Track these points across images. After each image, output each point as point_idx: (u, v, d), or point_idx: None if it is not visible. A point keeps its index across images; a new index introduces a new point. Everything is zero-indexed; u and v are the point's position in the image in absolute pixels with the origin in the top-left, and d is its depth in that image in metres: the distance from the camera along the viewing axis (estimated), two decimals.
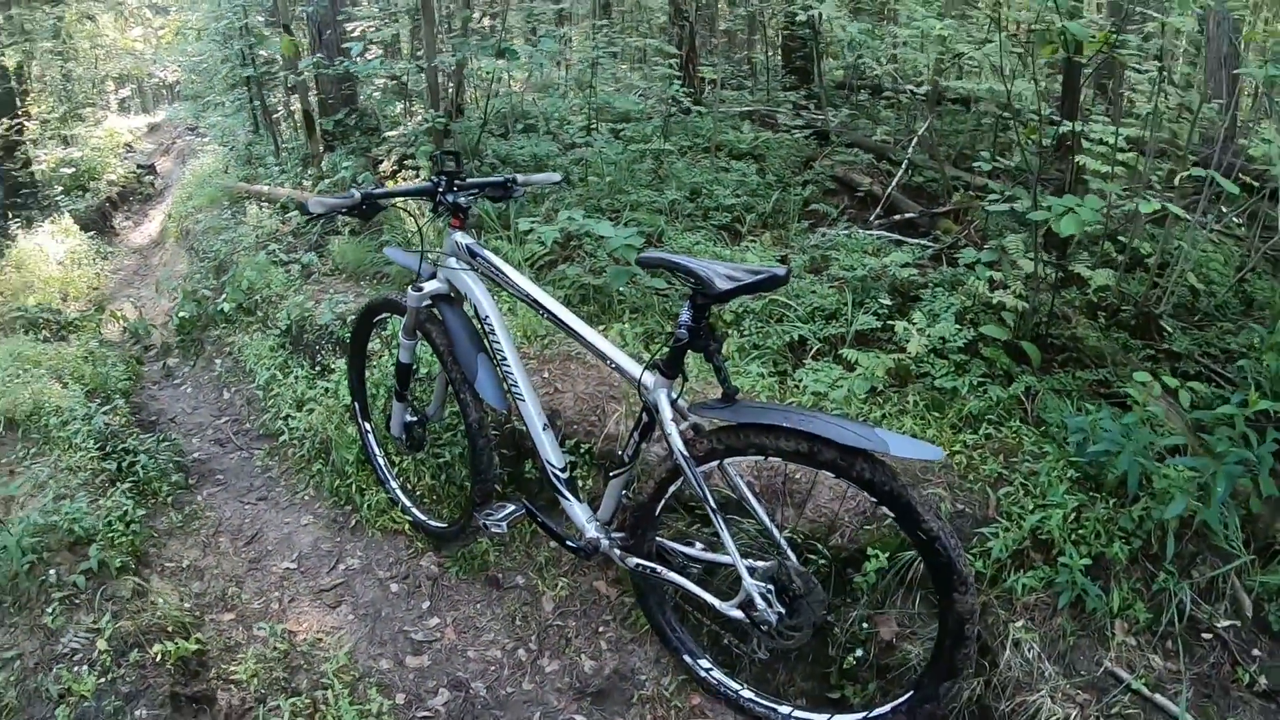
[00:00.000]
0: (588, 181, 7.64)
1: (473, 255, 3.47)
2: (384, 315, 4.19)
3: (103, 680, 3.34)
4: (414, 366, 4.10)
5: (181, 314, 8.10)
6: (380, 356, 5.23)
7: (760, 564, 2.77)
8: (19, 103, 14.23)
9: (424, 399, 4.55)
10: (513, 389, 3.36)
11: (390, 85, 12.07)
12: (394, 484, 4.49)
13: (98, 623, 3.65)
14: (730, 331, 4.87)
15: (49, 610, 3.70)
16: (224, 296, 7.77)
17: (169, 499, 5.27)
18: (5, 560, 3.88)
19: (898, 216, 7.18)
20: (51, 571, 3.91)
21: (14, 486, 4.48)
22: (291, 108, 12.66)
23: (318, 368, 5.99)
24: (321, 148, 10.86)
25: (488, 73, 9.45)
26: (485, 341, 3.47)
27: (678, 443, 2.74)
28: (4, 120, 13.25)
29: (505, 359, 3.36)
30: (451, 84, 9.85)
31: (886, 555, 3.15)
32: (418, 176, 8.56)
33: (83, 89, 19.10)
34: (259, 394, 6.40)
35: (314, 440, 5.27)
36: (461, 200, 3.50)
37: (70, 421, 5.58)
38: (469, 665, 3.73)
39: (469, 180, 3.53)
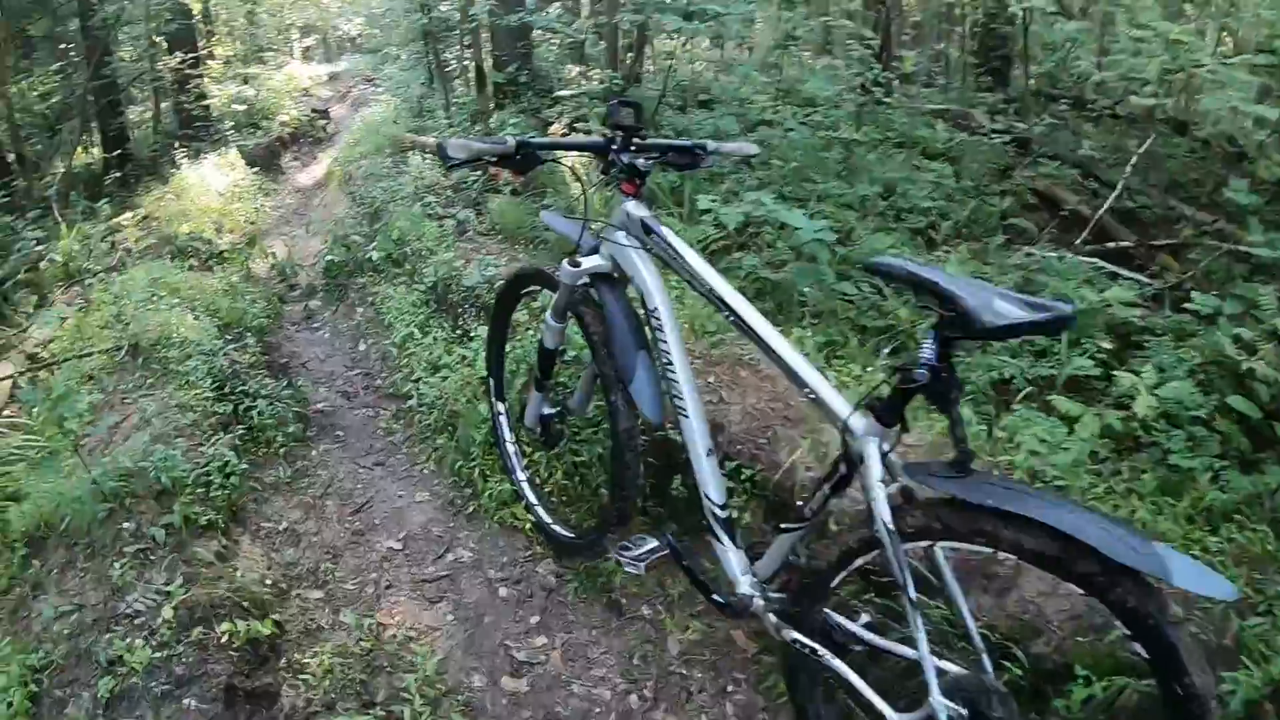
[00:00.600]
0: (770, 164, 7.05)
1: (647, 231, 2.82)
2: (533, 288, 3.65)
3: (158, 655, 2.99)
4: (560, 353, 3.59)
5: (330, 257, 7.91)
6: (526, 331, 4.77)
7: (951, 668, 2.12)
8: (203, 43, 14.59)
9: (567, 386, 4.10)
10: (675, 399, 2.73)
11: (566, 44, 11.76)
12: (521, 475, 3.97)
13: (169, 584, 3.29)
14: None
15: (118, 565, 3.36)
16: (374, 245, 7.52)
17: (282, 450, 4.98)
18: (80, 505, 3.56)
19: (1110, 244, 6.36)
20: (127, 523, 3.57)
21: (100, 427, 4.09)
22: (465, 62, 12.45)
23: (458, 332, 5.60)
24: (492, 104, 10.59)
25: (674, 34, 8.90)
26: (649, 337, 2.87)
27: (884, 511, 2.06)
28: (178, 54, 13.47)
29: (671, 362, 2.74)
30: (631, 48, 9.43)
31: (1102, 684, 2.44)
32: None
33: (267, 35, 19.52)
34: (393, 351, 6.05)
35: (442, 410, 4.86)
36: (639, 163, 2.88)
37: (193, 356, 5.33)
38: (570, 701, 3.19)
39: (650, 140, 2.94)
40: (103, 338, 6.05)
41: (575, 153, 3.20)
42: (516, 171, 2.90)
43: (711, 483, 2.70)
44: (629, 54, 9.62)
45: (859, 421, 2.19)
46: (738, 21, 8.51)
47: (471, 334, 5.30)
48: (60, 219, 9.28)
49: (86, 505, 3.55)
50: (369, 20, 21.92)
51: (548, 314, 3.29)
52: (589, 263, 3.04)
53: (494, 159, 2.72)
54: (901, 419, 2.13)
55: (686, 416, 2.70)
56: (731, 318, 2.54)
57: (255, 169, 12.64)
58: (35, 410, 5.65)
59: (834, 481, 2.32)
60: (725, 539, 2.71)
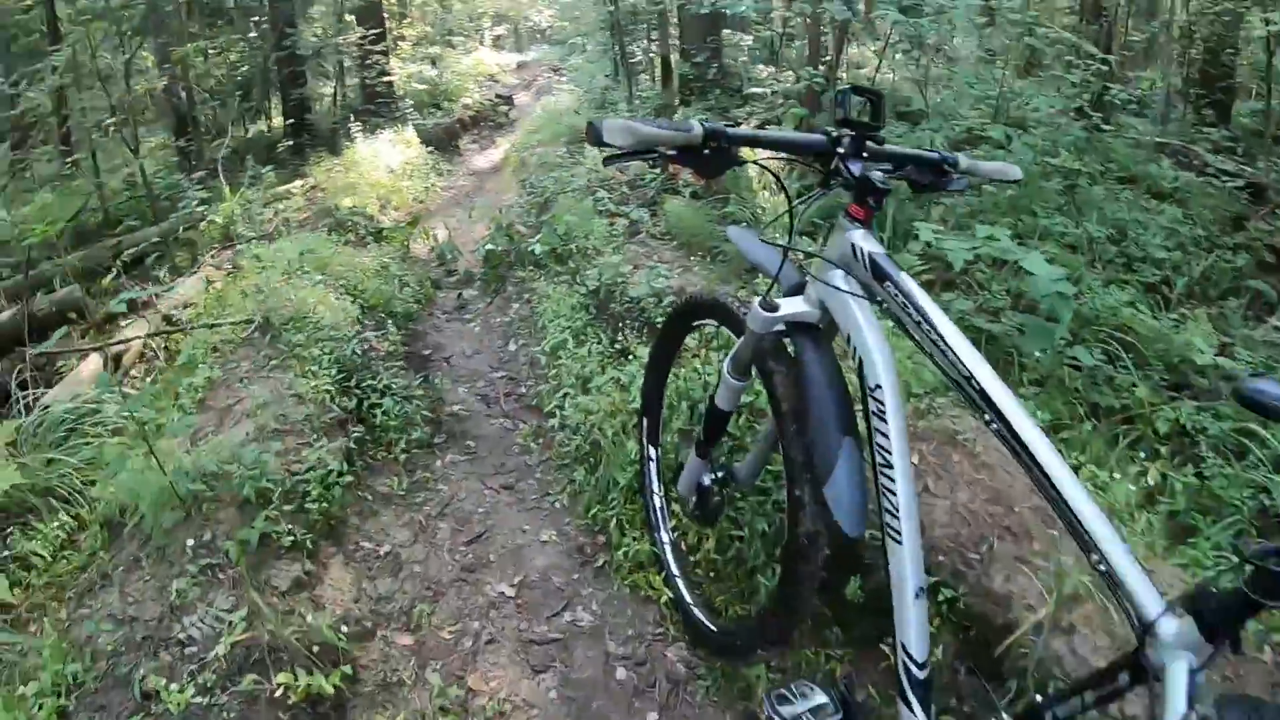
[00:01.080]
0: (980, 191, 6.15)
1: (878, 276, 1.98)
2: (708, 322, 2.80)
3: (199, 700, 2.48)
4: (734, 415, 2.86)
5: (490, 246, 7.37)
6: (692, 360, 4.02)
7: None
8: (393, 24, 14.61)
9: (736, 442, 3.39)
10: (887, 513, 1.86)
11: (758, 41, 11.09)
12: (665, 536, 3.28)
13: (232, 612, 2.71)
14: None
15: (181, 580, 2.83)
16: (538, 237, 6.94)
17: (403, 456, 4.42)
18: (152, 502, 3.02)
19: None
20: (199, 534, 3.01)
21: (180, 425, 3.57)
22: (651, 55, 11.92)
23: (615, 347, 4.92)
24: (677, 99, 9.97)
25: (875, 36, 8.03)
26: (860, 420, 2.06)
27: None
28: (362, 30, 13.37)
29: (889, 463, 1.88)
30: (832, 43, 8.66)
31: None
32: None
33: (458, 21, 19.62)
34: (543, 357, 5.46)
35: (586, 437, 4.19)
36: (875, 176, 2.04)
37: (323, 340, 4.83)
38: None
39: (888, 147, 2.13)
40: (240, 308, 5.65)
41: (782, 154, 2.27)
42: (701, 172, 2.10)
43: (914, 632, 1.80)
44: (830, 46, 8.82)
45: (1170, 625, 1.40)
46: (962, 16, 7.53)
47: (630, 353, 4.61)
48: (225, 182, 9.07)
49: (156, 504, 2.99)
50: (560, 11, 22.00)
51: (725, 364, 2.53)
52: (789, 307, 2.27)
53: (670, 151, 1.88)
54: (1235, 635, 1.37)
55: (898, 541, 1.85)
56: (995, 424, 1.67)
57: (431, 149, 12.43)
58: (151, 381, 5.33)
59: (1103, 692, 1.53)
60: (918, 709, 1.81)
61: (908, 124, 8.27)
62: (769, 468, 3.01)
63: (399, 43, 15.94)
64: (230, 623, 2.73)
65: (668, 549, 3.26)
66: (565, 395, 4.65)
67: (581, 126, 10.64)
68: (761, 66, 11.92)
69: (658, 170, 7.75)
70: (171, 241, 8.72)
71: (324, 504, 3.45)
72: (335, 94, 14.21)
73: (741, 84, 11.29)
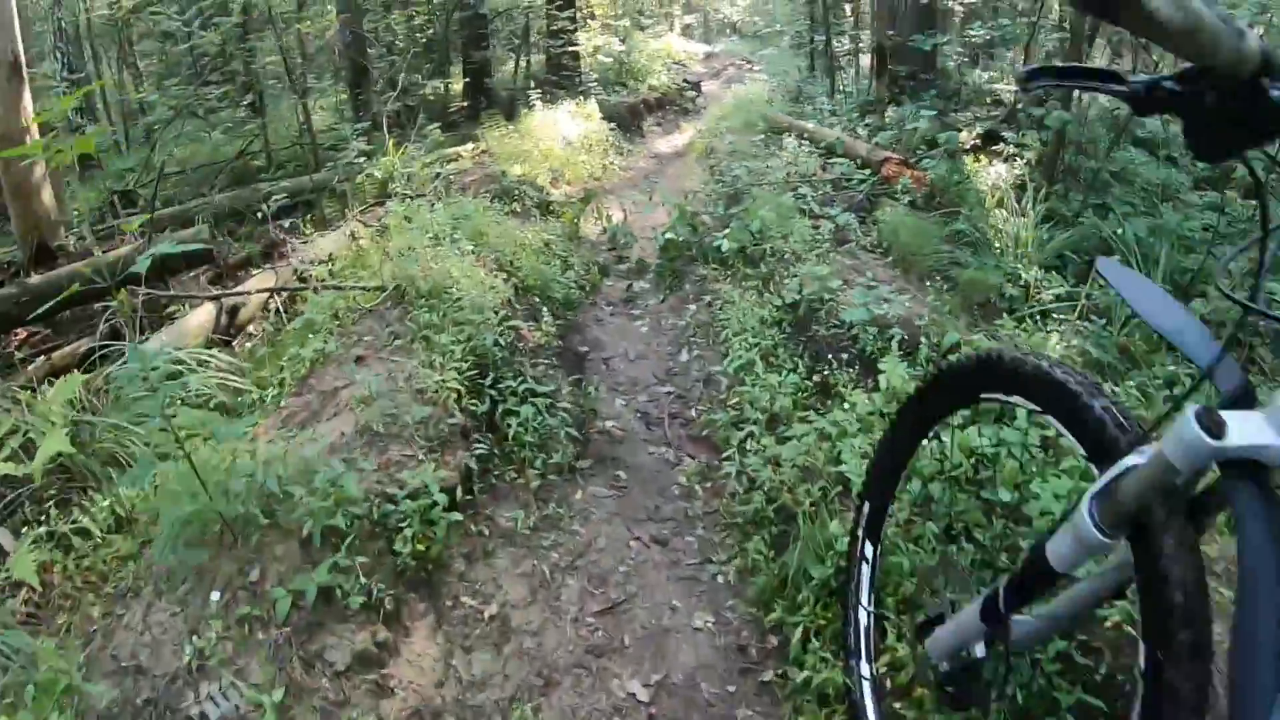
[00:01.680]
0: None
1: None
2: (1009, 400, 1.71)
3: None
4: (1066, 580, 1.61)
5: (669, 235, 6.45)
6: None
7: None
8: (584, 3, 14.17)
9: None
10: None
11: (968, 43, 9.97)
12: (866, 670, 2.28)
13: (268, 691, 1.90)
14: None
15: (210, 632, 2.03)
16: (726, 232, 6.01)
17: (536, 482, 3.53)
18: (177, 527, 2.21)
19: None
20: (223, 582, 2.21)
21: (233, 430, 2.73)
22: (860, 45, 10.87)
23: (815, 379, 3.94)
24: (888, 96, 8.91)
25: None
26: None
27: None
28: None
29: None
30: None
31: None
32: (1018, 159, 6.36)
33: (649, 6, 19.09)
34: (723, 378, 4.51)
35: (770, 498, 3.24)
36: None
37: (462, 324, 4.01)
38: None
39: None
40: (376, 273, 4.92)
41: None
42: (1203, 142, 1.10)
43: None
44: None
45: None
46: None
47: (837, 393, 3.63)
48: (391, 138, 8.44)
49: (183, 525, 2.18)
50: (752, 5, 21.55)
51: (1086, 502, 1.39)
52: (1247, 431, 1.21)
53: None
54: None
55: None
56: None
57: (613, 125, 11.60)
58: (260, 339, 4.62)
59: None
60: None
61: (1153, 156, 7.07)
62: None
63: (588, 20, 15.29)
64: (259, 705, 1.90)
65: (867, 689, 2.21)
66: (748, 434, 3.71)
67: (776, 116, 9.80)
68: (980, 71, 10.75)
69: (869, 173, 6.76)
70: (325, 192, 8.14)
71: (420, 546, 2.58)
72: (517, 60, 13.57)
73: (957, 88, 10.13)
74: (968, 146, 7.50)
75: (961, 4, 9.83)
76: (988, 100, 9.60)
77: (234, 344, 5.07)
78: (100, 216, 8.41)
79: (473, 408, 3.65)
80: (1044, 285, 4.96)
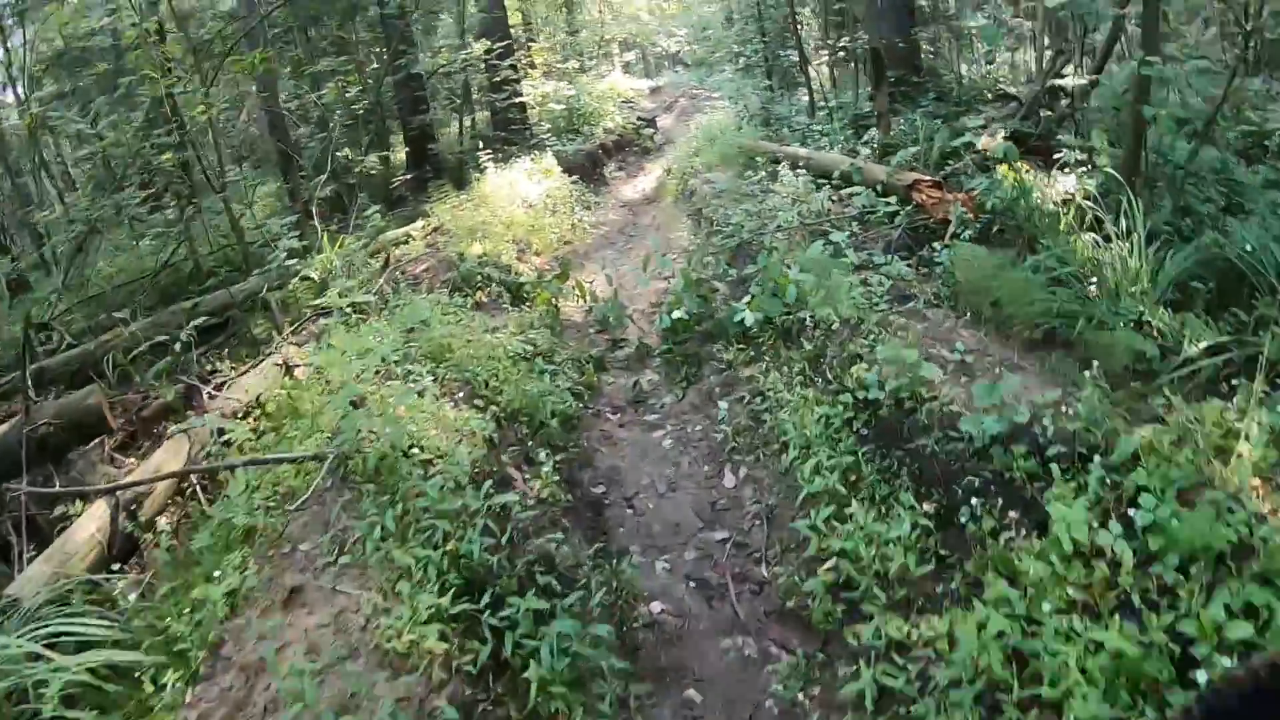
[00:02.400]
0: None
1: None
2: None
3: None
4: None
5: (676, 313, 5.14)
6: None
7: None
8: (523, 52, 13.00)
9: None
10: None
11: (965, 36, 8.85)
12: None
13: None
14: None
15: None
16: (746, 301, 4.75)
17: None
18: None
19: None
20: None
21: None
22: (834, 51, 9.66)
23: (928, 515, 2.68)
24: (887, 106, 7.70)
25: None
26: None
27: None
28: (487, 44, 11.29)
29: None
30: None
31: None
32: (1087, 166, 5.11)
33: (587, 48, 17.97)
34: (801, 525, 3.21)
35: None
36: None
37: (433, 523, 2.70)
38: None
39: None
40: (309, 428, 3.59)
41: None
42: None
43: None
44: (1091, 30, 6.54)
45: None
46: None
47: (982, 542, 2.37)
48: (329, 225, 7.11)
49: None
50: (690, 33, 20.88)
51: None
52: None
53: None
54: None
55: None
56: None
57: (574, 178, 10.29)
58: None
59: None
60: None
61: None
62: None
63: (529, 69, 14.01)
64: None
65: None
66: (857, 609, 2.43)
67: (756, 144, 8.46)
68: (971, 63, 9.59)
69: (906, 203, 5.49)
70: (256, 304, 6.78)
71: None
72: (461, 120, 12.18)
73: (950, 87, 8.94)
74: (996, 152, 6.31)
75: None
76: (989, 96, 8.37)
77: (141, 553, 3.70)
78: (18, 358, 6.97)
79: (468, 662, 2.31)
80: (1184, 334, 3.65)
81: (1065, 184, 5.00)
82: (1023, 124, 6.65)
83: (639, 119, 14.61)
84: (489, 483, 3.05)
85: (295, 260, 6.82)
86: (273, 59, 8.66)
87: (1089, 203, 4.61)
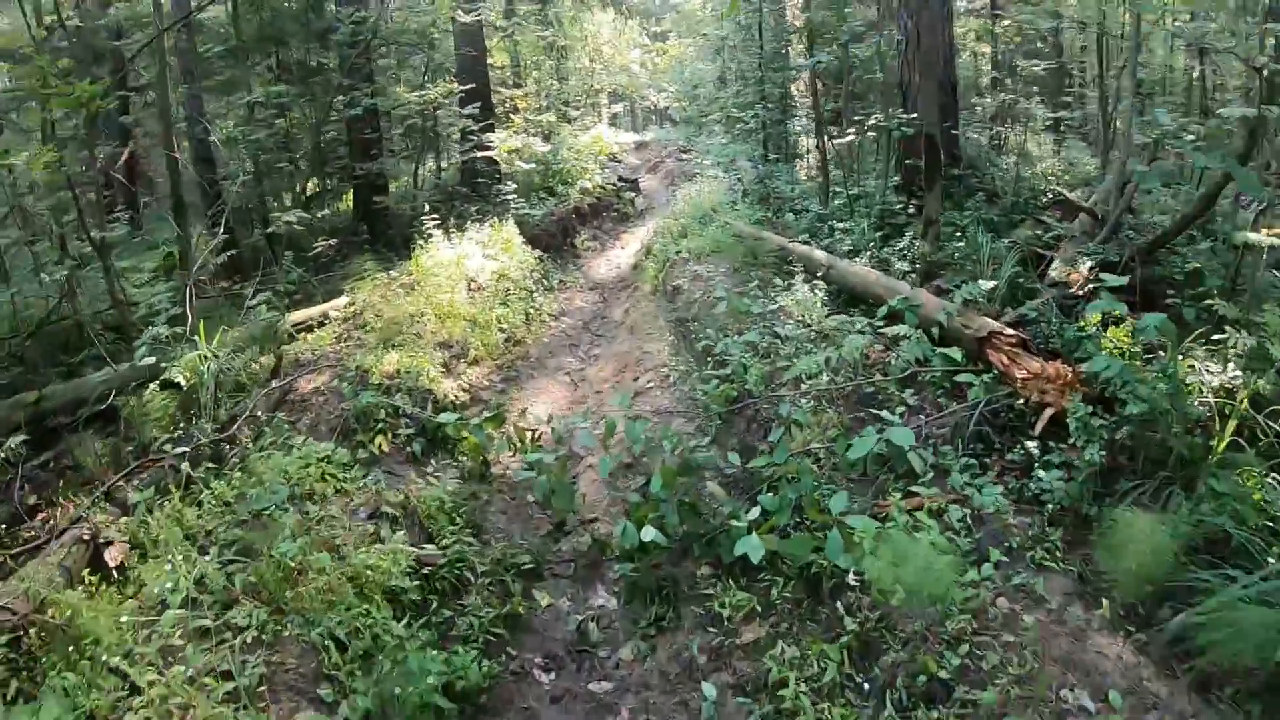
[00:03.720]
0: None
1: None
2: None
3: None
4: None
5: (648, 532, 3.33)
6: None
7: None
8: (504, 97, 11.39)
9: None
10: None
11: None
12: None
13: None
14: None
15: None
16: (751, 514, 3.05)
17: None
18: None
19: None
20: None
21: None
22: (842, 126, 7.97)
23: None
24: (925, 206, 6.04)
25: None
26: None
27: None
28: (448, 84, 9.44)
29: None
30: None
31: None
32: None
33: (575, 95, 16.35)
34: None
35: None
36: None
37: None
38: None
39: None
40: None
41: None
42: None
43: None
44: None
45: None
46: None
47: None
48: (222, 290, 5.37)
49: None
50: (680, 89, 19.44)
51: None
52: None
53: None
54: None
55: None
56: None
57: (539, 250, 8.49)
58: None
59: None
60: None
61: None
62: None
63: (510, 116, 12.26)
64: None
65: None
66: None
67: (760, 238, 6.29)
68: (1016, 156, 7.98)
69: (962, 358, 3.86)
70: (97, 414, 5.00)
71: None
72: (416, 170, 10.29)
73: (993, 181, 7.34)
74: (1074, 280, 4.70)
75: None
76: (1043, 199, 6.72)
77: None
78: None
79: None
80: None
81: (1215, 373, 3.32)
82: (1104, 249, 5.02)
83: (620, 179, 12.90)
84: None
85: (155, 358, 5.08)
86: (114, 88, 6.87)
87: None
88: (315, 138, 8.32)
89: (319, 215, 9.24)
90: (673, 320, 6.13)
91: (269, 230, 7.37)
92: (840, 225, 6.68)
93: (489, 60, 12.03)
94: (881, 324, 4.51)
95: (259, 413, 4.48)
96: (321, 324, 6.02)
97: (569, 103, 15.41)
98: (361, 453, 4.02)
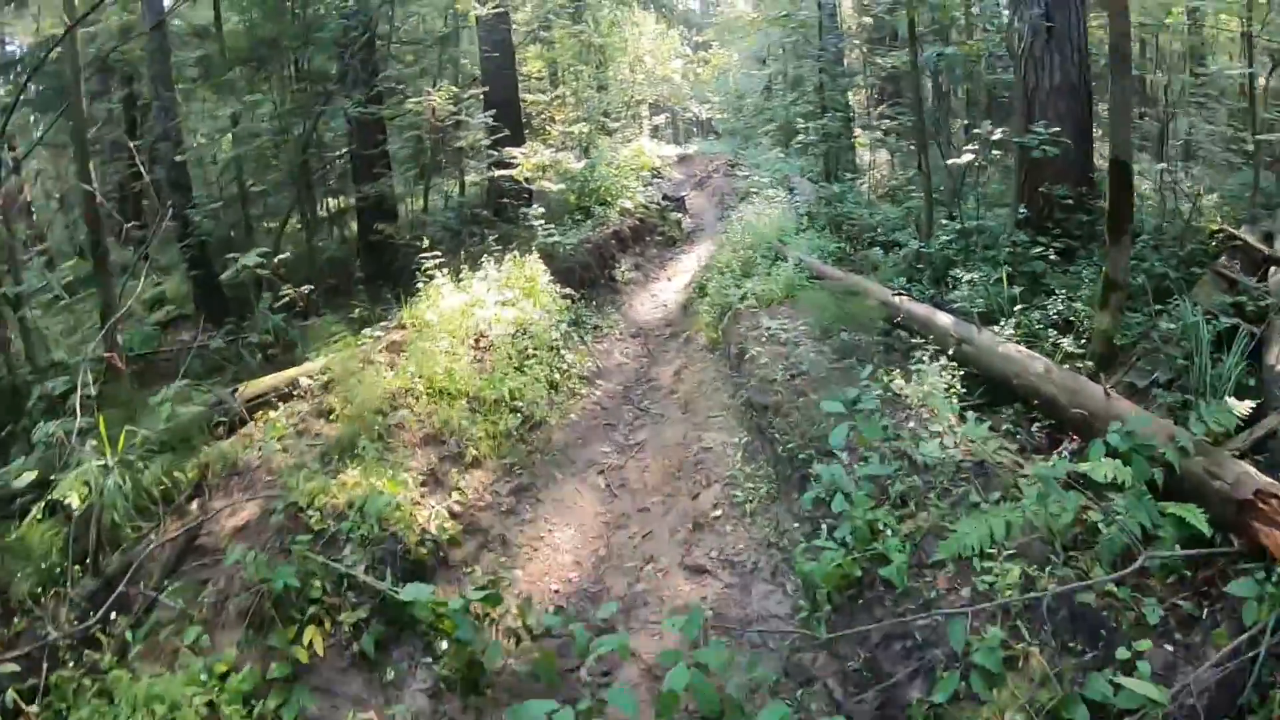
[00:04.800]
0: None
1: None
2: None
3: None
4: None
5: None
6: None
7: None
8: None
9: None
10: None
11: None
12: None
13: None
14: None
15: None
16: None
17: None
18: None
19: None
20: None
21: None
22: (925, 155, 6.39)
23: None
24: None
25: None
26: None
27: None
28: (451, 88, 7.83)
29: None
30: None
31: None
32: None
33: (615, 107, 14.90)
34: None
35: None
36: None
37: None
38: None
39: None
40: None
41: None
42: None
43: None
44: None
45: None
46: None
47: None
48: (93, 397, 3.97)
49: None
50: (723, 101, 18.60)
51: None
52: None
53: None
54: None
55: None
56: None
57: (568, 289, 6.86)
58: None
59: None
60: None
61: None
62: None
63: (546, 127, 10.85)
64: None
65: None
66: None
67: (844, 280, 4.79)
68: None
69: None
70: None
71: None
72: (425, 193, 8.64)
73: (1146, 217, 5.69)
74: None
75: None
76: (1212, 244, 5.07)
77: None
78: None
79: None
80: None
81: None
82: None
83: (664, 197, 11.40)
84: None
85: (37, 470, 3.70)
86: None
87: None
88: (298, 155, 6.82)
89: (318, 244, 7.85)
90: (741, 402, 4.62)
91: (241, 267, 5.92)
92: (966, 276, 5.03)
93: (519, 68, 10.64)
94: (1072, 456, 2.95)
95: (153, 570, 3.06)
96: (289, 394, 4.57)
97: (608, 114, 13.88)
98: (279, 664, 2.56)
